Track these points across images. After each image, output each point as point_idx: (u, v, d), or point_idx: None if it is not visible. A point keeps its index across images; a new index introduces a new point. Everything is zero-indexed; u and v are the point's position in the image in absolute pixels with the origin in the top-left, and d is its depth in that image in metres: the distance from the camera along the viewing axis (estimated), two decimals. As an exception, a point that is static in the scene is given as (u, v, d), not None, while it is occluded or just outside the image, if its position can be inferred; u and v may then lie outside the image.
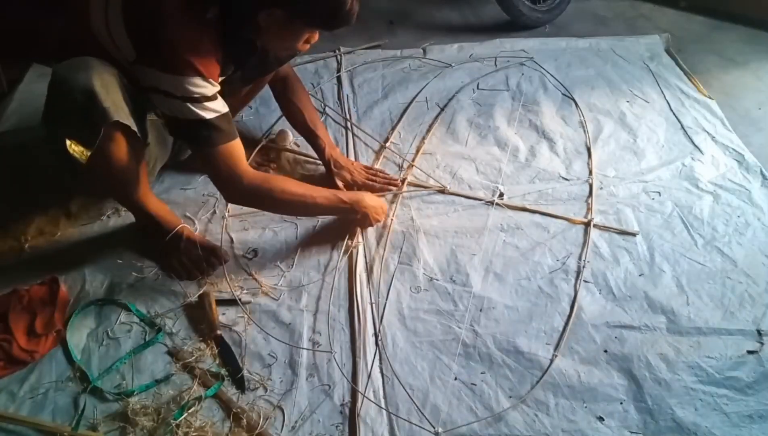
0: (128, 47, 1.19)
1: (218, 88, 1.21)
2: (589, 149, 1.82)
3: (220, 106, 1.22)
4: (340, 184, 1.63)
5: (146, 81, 1.18)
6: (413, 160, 1.77)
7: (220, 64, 1.22)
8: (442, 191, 1.67)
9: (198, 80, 1.16)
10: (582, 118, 1.94)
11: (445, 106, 1.99)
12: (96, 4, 1.20)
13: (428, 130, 1.89)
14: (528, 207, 1.62)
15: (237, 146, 1.27)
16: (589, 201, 1.64)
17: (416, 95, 2.04)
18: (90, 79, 1.16)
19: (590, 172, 1.73)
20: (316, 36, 1.26)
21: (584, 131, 1.89)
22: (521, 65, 2.19)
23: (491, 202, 1.63)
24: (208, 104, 1.19)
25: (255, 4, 1.16)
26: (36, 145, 1.70)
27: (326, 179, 1.66)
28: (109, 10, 1.18)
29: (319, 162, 1.73)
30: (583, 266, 1.46)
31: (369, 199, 1.49)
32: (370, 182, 1.65)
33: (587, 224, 1.57)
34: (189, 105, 1.17)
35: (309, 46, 1.28)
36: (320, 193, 1.41)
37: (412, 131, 1.89)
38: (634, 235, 1.54)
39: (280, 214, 1.54)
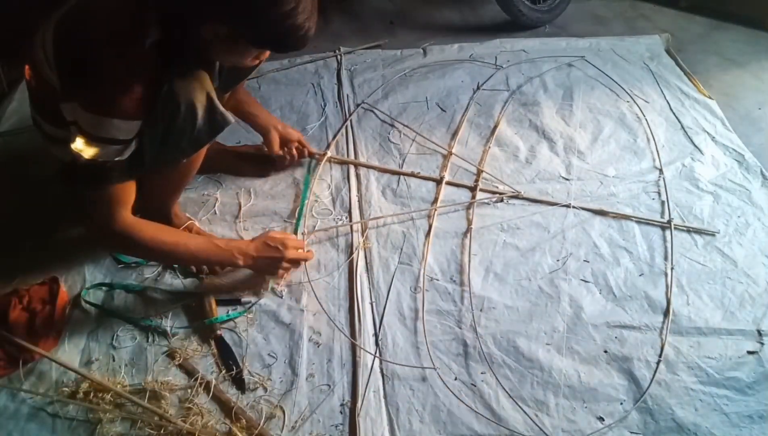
0: (55, 77, 1.10)
1: (136, 128, 1.08)
2: (654, 140, 1.83)
3: (129, 150, 1.11)
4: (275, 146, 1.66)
5: (68, 114, 1.08)
6: (481, 165, 1.73)
7: (154, 94, 1.10)
8: (517, 197, 1.63)
9: (118, 122, 1.04)
10: (640, 112, 1.94)
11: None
12: (43, 25, 1.12)
13: (491, 135, 1.89)
14: (604, 209, 1.60)
15: (126, 190, 1.17)
16: (664, 198, 1.65)
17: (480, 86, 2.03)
18: (204, 83, 1.15)
19: (660, 170, 1.74)
20: (267, 54, 1.17)
21: (645, 122, 1.88)
22: (569, 66, 2.18)
23: (567, 206, 1.61)
24: (119, 148, 1.08)
25: (196, 17, 1.04)
26: (34, 149, 1.70)
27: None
28: (47, 28, 1.10)
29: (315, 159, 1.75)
30: (672, 269, 1.45)
31: (255, 249, 1.34)
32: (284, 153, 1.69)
33: (667, 226, 1.56)
34: (108, 147, 1.07)
35: (260, 62, 1.20)
36: (195, 242, 1.32)
37: (412, 132, 1.89)
38: (713, 234, 1.54)
39: (156, 261, 1.45)
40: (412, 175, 1.70)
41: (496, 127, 1.88)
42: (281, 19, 1.00)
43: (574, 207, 1.61)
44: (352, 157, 1.80)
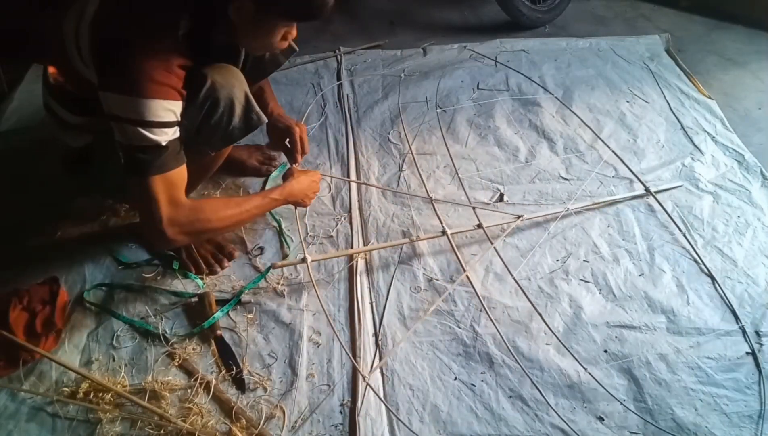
0: (92, 69, 1.12)
1: (179, 109, 1.11)
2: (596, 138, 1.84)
3: (176, 131, 1.12)
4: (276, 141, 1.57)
5: (106, 107, 1.09)
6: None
7: (190, 79, 1.13)
8: (519, 217, 1.54)
9: (160, 103, 1.07)
10: (577, 114, 1.94)
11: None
12: (70, 16, 1.15)
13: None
14: (596, 202, 1.63)
15: (182, 172, 1.17)
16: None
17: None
18: (242, 83, 1.19)
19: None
20: (294, 32, 1.20)
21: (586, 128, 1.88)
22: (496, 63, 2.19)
23: (566, 210, 1.58)
24: (165, 129, 1.09)
25: None
26: (34, 149, 1.70)
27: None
28: (81, 24, 1.12)
29: (317, 162, 1.76)
30: (683, 232, 1.53)
31: (298, 185, 1.41)
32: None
33: (647, 194, 1.64)
34: (144, 130, 1.07)
35: (288, 44, 1.22)
36: (252, 203, 1.32)
37: (411, 131, 1.89)
38: (680, 186, 1.67)
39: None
40: (413, 241, 1.50)
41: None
42: None
43: (575, 211, 1.60)
44: (352, 157, 1.80)
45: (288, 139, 1.53)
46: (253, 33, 1.17)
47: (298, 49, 1.42)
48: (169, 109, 1.09)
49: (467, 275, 1.41)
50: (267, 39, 1.18)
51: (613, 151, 1.80)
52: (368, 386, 1.21)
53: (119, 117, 1.08)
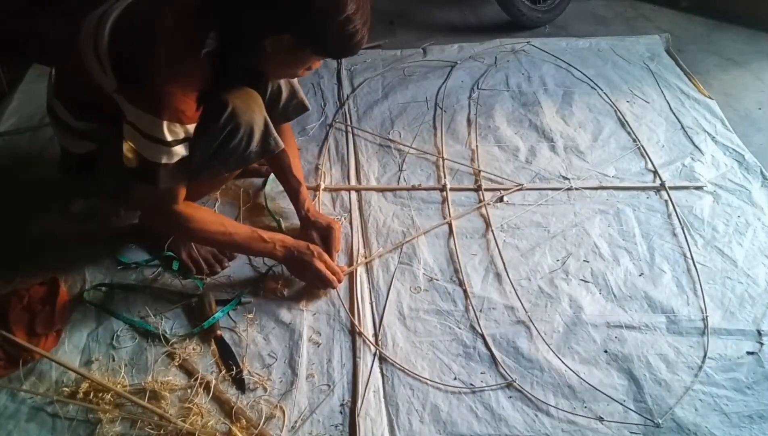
0: (111, 74, 1.11)
1: (186, 132, 1.13)
2: (630, 126, 1.91)
3: (185, 150, 1.15)
4: (314, 236, 1.47)
5: (125, 113, 1.11)
6: (475, 164, 1.74)
7: (204, 103, 1.14)
8: (520, 189, 1.66)
9: (174, 125, 1.09)
10: (607, 98, 1.94)
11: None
12: (90, 20, 1.15)
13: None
14: (603, 185, 1.69)
15: (182, 189, 1.22)
16: (652, 165, 1.76)
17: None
18: (262, 108, 1.21)
19: (635, 141, 1.85)
20: (319, 63, 1.23)
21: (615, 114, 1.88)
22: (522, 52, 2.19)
23: (569, 188, 1.67)
24: (175, 149, 1.12)
25: (265, 28, 1.08)
26: (34, 149, 1.70)
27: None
28: (100, 29, 1.11)
29: (317, 162, 1.76)
30: (685, 229, 1.55)
31: (294, 244, 1.35)
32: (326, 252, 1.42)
33: (661, 188, 1.67)
34: (156, 146, 1.10)
35: (309, 73, 1.24)
36: (240, 233, 1.32)
37: (412, 131, 1.89)
38: (701, 187, 1.68)
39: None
40: (413, 188, 1.67)
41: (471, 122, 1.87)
42: (344, 24, 1.05)
43: (576, 189, 1.67)
44: (352, 156, 1.80)
45: (326, 236, 1.46)
46: (284, 64, 1.18)
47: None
48: (176, 131, 1.10)
49: (467, 277, 1.42)
50: (295, 70, 1.21)
51: (641, 145, 1.84)
52: (377, 349, 1.22)
53: (134, 125, 1.10)
